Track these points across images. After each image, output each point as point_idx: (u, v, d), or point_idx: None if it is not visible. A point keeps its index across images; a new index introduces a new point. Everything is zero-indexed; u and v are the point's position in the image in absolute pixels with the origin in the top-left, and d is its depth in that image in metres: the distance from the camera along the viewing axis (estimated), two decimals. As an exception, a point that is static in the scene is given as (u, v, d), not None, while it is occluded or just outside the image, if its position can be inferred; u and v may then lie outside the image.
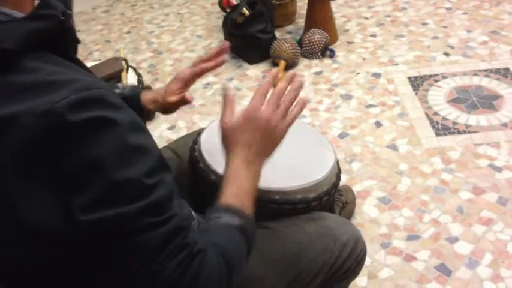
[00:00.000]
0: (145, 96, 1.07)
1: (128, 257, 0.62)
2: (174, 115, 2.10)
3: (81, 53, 2.59)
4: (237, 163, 0.79)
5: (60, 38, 0.64)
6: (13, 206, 0.59)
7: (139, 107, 1.06)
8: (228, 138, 0.82)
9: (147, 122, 1.05)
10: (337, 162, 1.08)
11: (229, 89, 0.86)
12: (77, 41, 0.70)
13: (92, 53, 2.62)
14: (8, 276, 0.67)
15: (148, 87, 1.13)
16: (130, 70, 1.65)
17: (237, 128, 0.81)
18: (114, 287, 0.66)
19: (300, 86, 0.84)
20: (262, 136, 0.81)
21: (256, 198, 0.81)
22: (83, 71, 0.66)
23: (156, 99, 1.07)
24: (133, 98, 1.05)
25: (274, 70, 0.87)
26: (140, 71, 2.21)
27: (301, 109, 0.85)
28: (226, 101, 0.84)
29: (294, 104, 0.84)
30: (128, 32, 2.79)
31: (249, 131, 0.80)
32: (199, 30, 2.74)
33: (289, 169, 1.02)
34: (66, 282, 0.66)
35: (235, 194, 0.77)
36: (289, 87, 0.84)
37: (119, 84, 1.09)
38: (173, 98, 1.07)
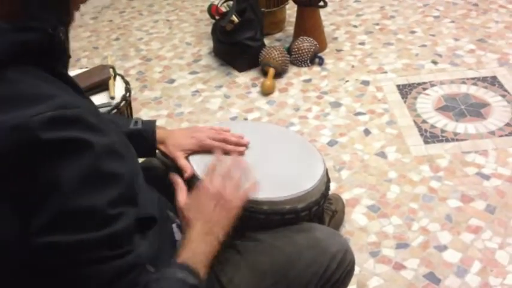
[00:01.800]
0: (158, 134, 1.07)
1: (78, 285, 0.60)
2: (162, 122, 2.09)
3: (68, 60, 2.57)
4: (193, 235, 0.81)
5: (48, 52, 0.62)
6: None
7: (152, 142, 1.05)
8: (185, 217, 0.85)
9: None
10: (326, 172, 1.07)
11: (173, 175, 0.93)
12: (68, 56, 0.68)
13: (79, 59, 2.60)
14: None
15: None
16: (118, 78, 1.63)
17: (193, 205, 0.85)
18: None
19: (246, 166, 0.92)
20: (216, 209, 0.84)
21: (245, 208, 0.81)
22: (67, 88, 0.64)
23: (164, 141, 1.07)
24: (147, 133, 1.04)
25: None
26: (128, 78, 2.19)
27: (254, 188, 0.90)
28: (177, 185, 0.90)
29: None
30: (116, 39, 2.78)
31: (204, 205, 0.84)
32: (188, 37, 2.73)
33: (278, 179, 1.02)
34: None
35: (189, 259, 0.76)
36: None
37: (136, 118, 1.08)
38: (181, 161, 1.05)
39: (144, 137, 1.04)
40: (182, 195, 0.88)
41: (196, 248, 0.79)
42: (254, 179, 0.91)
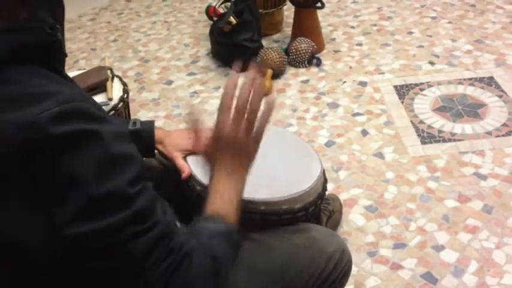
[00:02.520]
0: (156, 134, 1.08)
1: (115, 267, 0.62)
2: (160, 124, 2.09)
3: (67, 62, 2.55)
4: (218, 176, 0.81)
5: (47, 51, 0.63)
6: None
7: (150, 142, 1.06)
8: (207, 159, 0.85)
9: None
10: (323, 172, 1.08)
11: (192, 114, 0.87)
12: (65, 55, 0.69)
13: (77, 61, 2.60)
14: None
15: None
16: (115, 79, 1.63)
17: (210, 151, 0.83)
18: None
19: (261, 90, 0.82)
20: (234, 153, 0.81)
21: (241, 209, 0.82)
22: (68, 83, 0.65)
23: (162, 141, 1.07)
24: (146, 133, 1.05)
25: (231, 80, 0.83)
26: (126, 80, 2.19)
27: (267, 119, 0.83)
28: (193, 131, 0.86)
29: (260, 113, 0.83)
30: (115, 41, 2.78)
31: (220, 150, 0.81)
32: (186, 38, 2.74)
33: (275, 179, 1.02)
34: None
35: (218, 204, 0.78)
36: (251, 96, 0.81)
37: (134, 119, 1.09)
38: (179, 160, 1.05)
39: (143, 137, 1.05)
40: (197, 141, 0.86)
41: (222, 189, 0.79)
42: (271, 101, 0.83)
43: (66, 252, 0.59)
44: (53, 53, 0.65)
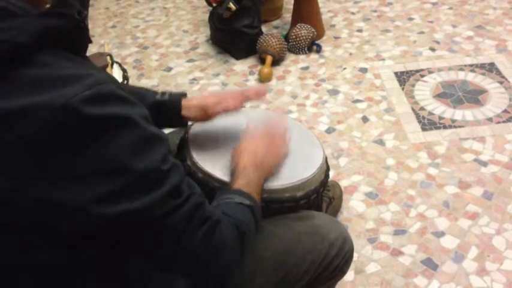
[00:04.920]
0: (189, 103, 1.06)
1: (158, 240, 0.66)
2: (160, 111, 2.09)
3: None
4: (244, 165, 0.91)
5: (74, 37, 0.64)
6: (30, 202, 0.57)
7: (179, 113, 1.05)
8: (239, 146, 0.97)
9: None
10: (325, 160, 1.08)
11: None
12: (89, 41, 0.69)
13: (76, 48, 2.58)
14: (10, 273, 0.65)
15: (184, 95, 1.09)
16: (115, 65, 1.63)
17: (248, 138, 0.98)
18: (146, 266, 0.72)
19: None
20: (267, 149, 0.97)
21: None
22: (95, 66, 0.67)
23: (205, 107, 1.05)
24: (173, 104, 1.05)
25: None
26: (125, 66, 2.18)
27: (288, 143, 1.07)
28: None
29: None
30: (113, 27, 2.76)
31: (258, 142, 0.98)
32: (185, 25, 2.72)
33: (277, 167, 1.02)
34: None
35: (244, 186, 0.86)
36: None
37: (162, 92, 1.07)
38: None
39: (168, 108, 1.04)
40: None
41: (249, 175, 0.89)
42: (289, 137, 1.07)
43: (107, 229, 0.61)
44: (79, 39, 0.66)
